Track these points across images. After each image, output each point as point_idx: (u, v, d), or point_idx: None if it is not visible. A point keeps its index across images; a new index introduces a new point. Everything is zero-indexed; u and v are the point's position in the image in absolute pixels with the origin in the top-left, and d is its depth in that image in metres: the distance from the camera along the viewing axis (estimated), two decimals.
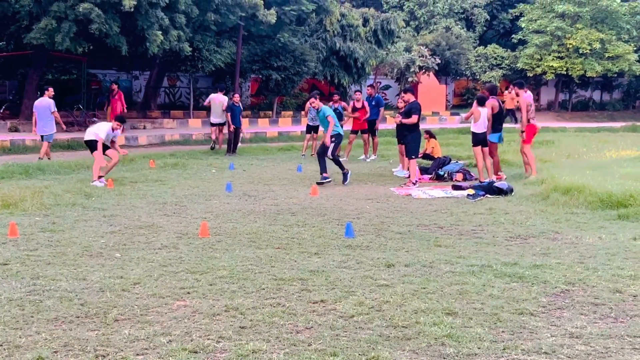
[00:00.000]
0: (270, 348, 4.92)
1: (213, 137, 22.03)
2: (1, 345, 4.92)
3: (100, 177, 13.77)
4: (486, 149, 14.69)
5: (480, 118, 14.50)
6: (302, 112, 23.20)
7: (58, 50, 22.71)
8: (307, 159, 19.51)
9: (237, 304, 5.90)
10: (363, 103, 19.41)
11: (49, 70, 30.19)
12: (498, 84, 39.50)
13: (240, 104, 21.47)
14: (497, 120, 14.97)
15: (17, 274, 6.83)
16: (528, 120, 14.71)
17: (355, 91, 20.78)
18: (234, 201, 11.95)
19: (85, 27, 21.21)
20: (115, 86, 24.46)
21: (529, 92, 15.27)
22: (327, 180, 14.30)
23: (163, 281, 6.65)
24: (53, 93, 18.22)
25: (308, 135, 21.20)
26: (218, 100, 21.13)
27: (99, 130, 14.28)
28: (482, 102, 14.64)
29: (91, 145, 14.19)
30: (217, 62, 28.89)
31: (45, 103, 17.83)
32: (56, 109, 17.91)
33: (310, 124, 20.75)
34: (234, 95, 21.23)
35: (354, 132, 19.81)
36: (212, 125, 21.89)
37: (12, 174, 14.59)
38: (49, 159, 17.42)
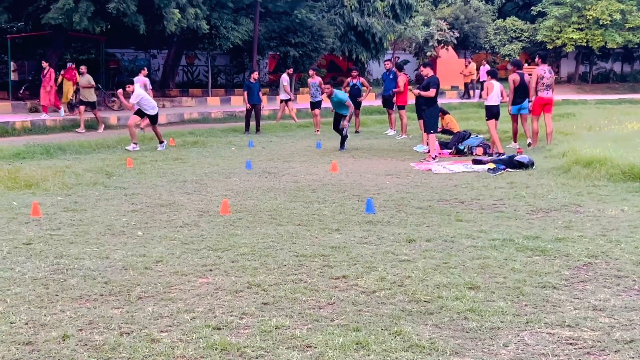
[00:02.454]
0: (293, 324, 4.94)
1: (280, 113, 23.90)
2: (27, 324, 4.98)
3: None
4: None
5: (494, 91, 14.65)
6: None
7: (76, 30, 22.72)
8: (326, 135, 19.35)
9: (259, 281, 5.93)
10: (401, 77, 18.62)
11: (68, 51, 30.24)
12: (518, 57, 39.10)
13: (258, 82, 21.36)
14: (518, 93, 15.55)
15: (41, 253, 6.90)
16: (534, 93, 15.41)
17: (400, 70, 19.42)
18: (254, 178, 11.97)
19: (103, 6, 21.22)
20: (45, 64, 22.80)
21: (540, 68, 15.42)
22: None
23: (185, 259, 6.69)
24: (147, 72, 20.10)
25: (316, 111, 20.88)
26: (283, 78, 23.67)
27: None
28: (494, 75, 14.93)
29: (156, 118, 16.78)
30: (235, 39, 28.82)
31: (140, 82, 19.34)
32: (151, 88, 19.57)
33: (312, 100, 20.74)
34: (252, 74, 21.13)
35: (400, 107, 19.08)
36: (282, 101, 23.86)
37: (34, 154, 14.74)
38: (142, 129, 18.58)
